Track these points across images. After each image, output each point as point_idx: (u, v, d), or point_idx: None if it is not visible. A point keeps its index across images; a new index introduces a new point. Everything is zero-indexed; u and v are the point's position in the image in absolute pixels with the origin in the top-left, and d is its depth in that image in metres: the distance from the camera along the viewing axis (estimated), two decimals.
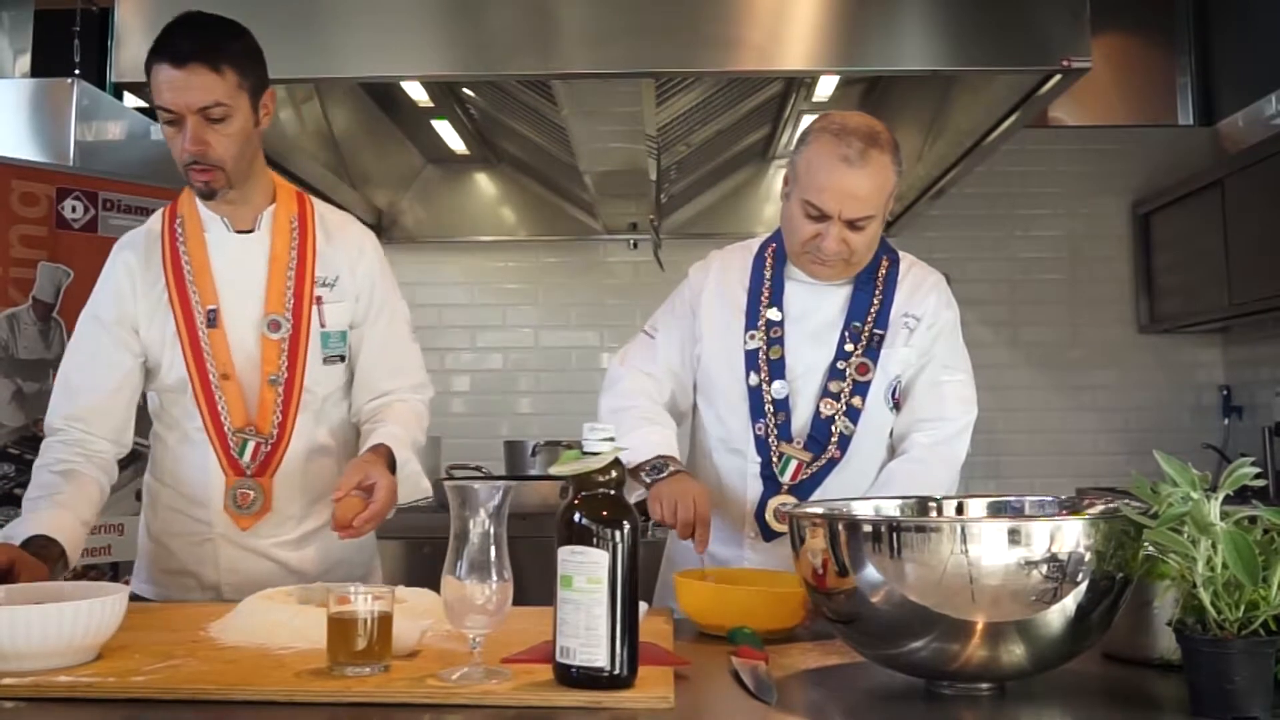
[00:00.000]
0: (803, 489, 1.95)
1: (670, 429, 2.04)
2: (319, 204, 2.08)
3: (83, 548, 1.85)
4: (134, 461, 3.70)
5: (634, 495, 1.98)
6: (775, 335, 1.99)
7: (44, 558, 1.72)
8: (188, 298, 1.94)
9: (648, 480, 1.93)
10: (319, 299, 1.99)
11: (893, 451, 2.03)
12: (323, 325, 1.99)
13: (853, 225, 1.88)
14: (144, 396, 2.06)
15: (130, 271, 1.98)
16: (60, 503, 1.83)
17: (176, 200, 2.03)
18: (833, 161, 1.85)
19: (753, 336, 2.00)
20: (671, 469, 1.92)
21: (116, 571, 3.51)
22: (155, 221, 2.02)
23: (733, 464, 2.02)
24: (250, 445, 1.93)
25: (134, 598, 2.00)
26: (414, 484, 1.96)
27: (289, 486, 1.97)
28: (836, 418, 1.95)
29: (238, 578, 1.95)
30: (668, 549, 2.17)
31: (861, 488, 1.95)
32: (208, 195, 1.91)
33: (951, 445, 2.00)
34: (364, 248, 2.07)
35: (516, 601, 1.32)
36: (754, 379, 1.98)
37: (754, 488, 1.99)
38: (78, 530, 1.83)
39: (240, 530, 1.96)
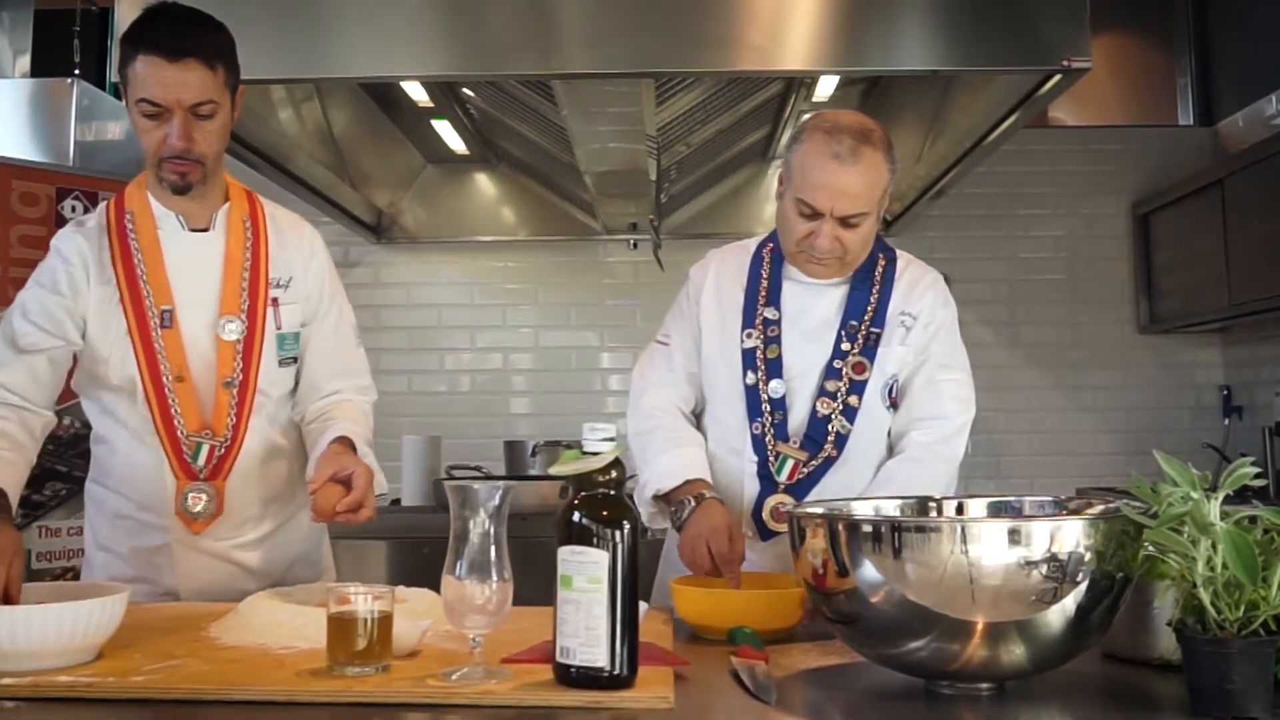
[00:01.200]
0: (799, 488, 1.95)
1: (696, 445, 2.04)
2: (268, 203, 2.05)
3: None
4: None
5: (667, 522, 1.98)
6: (772, 334, 2.00)
7: None
8: (140, 296, 1.88)
9: (675, 524, 1.93)
10: (275, 300, 1.96)
11: (890, 451, 2.03)
12: (279, 327, 1.96)
13: (846, 223, 1.88)
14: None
15: (84, 257, 1.90)
16: (4, 460, 1.77)
17: (122, 194, 1.97)
18: (824, 159, 1.85)
19: (750, 335, 2.01)
20: (691, 506, 1.90)
21: None
22: (100, 216, 1.96)
23: (730, 463, 2.02)
24: (205, 448, 1.89)
25: None
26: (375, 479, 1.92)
27: (244, 488, 1.93)
28: (833, 417, 1.95)
29: (196, 582, 1.92)
30: (665, 550, 2.17)
31: (858, 487, 1.95)
32: (183, 190, 1.87)
33: (950, 444, 2.00)
34: (315, 248, 2.05)
35: (516, 601, 1.32)
36: (751, 378, 1.99)
37: (751, 487, 1.99)
38: (17, 493, 1.76)
39: (193, 535, 1.91)
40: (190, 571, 1.93)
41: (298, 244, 2.03)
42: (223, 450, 1.91)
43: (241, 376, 1.92)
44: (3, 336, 1.91)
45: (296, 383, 2.04)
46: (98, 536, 1.99)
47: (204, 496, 1.89)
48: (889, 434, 2.03)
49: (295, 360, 2.01)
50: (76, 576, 3.40)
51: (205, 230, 1.95)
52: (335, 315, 2.06)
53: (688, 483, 1.95)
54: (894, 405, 2.01)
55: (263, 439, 1.96)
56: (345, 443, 1.88)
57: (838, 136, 1.86)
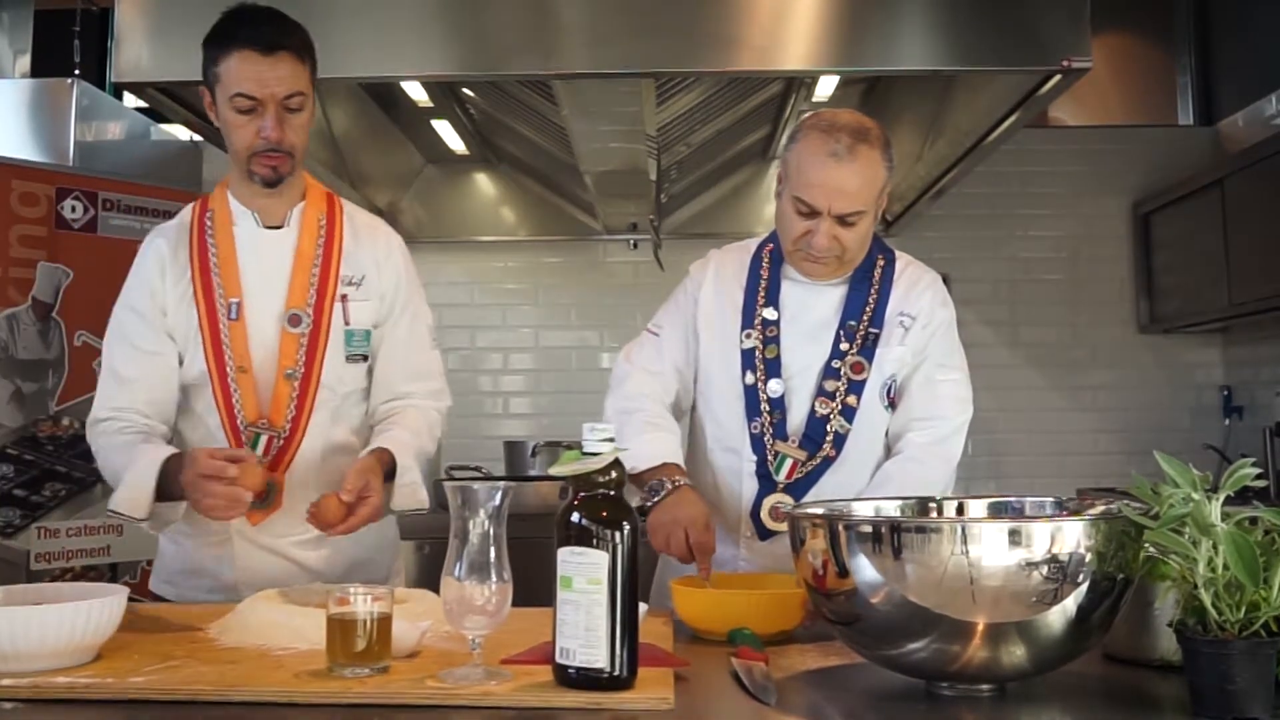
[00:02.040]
0: (798, 488, 1.95)
1: (674, 433, 2.04)
2: (348, 205, 2.08)
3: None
4: None
5: (634, 502, 1.97)
6: (771, 334, 2.00)
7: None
8: (212, 290, 1.94)
9: (647, 504, 1.92)
10: (344, 297, 1.98)
11: (889, 451, 2.03)
12: (347, 323, 1.98)
13: (843, 221, 1.88)
14: None
15: (161, 260, 1.97)
16: (154, 441, 1.88)
17: (208, 195, 2.04)
18: (821, 157, 1.85)
19: (749, 336, 2.00)
20: (669, 488, 1.90)
21: (116, 571, 3.52)
22: (186, 214, 2.03)
23: (728, 462, 2.02)
24: (263, 439, 1.91)
25: (155, 598, 2.00)
26: (410, 494, 1.93)
27: (303, 484, 1.94)
28: (832, 417, 1.95)
29: (255, 577, 1.92)
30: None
31: (857, 487, 1.95)
32: (273, 182, 1.92)
33: (947, 444, 2.00)
34: (391, 249, 2.07)
35: (516, 601, 1.32)
36: (750, 378, 1.98)
37: (749, 486, 1.99)
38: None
39: (250, 526, 1.93)
40: (249, 566, 1.94)
41: (373, 244, 2.05)
42: (281, 442, 1.93)
43: (304, 370, 1.93)
44: (106, 367, 1.99)
45: (370, 382, 2.05)
46: (170, 529, 2.01)
47: (266, 488, 1.87)
48: (887, 434, 2.03)
49: (365, 358, 2.02)
50: (77, 577, 3.40)
51: (279, 227, 1.99)
52: (410, 317, 2.07)
53: (663, 465, 1.94)
54: (892, 405, 2.00)
55: (325, 435, 1.97)
56: (382, 457, 1.88)
57: (835, 135, 1.86)
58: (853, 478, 1.96)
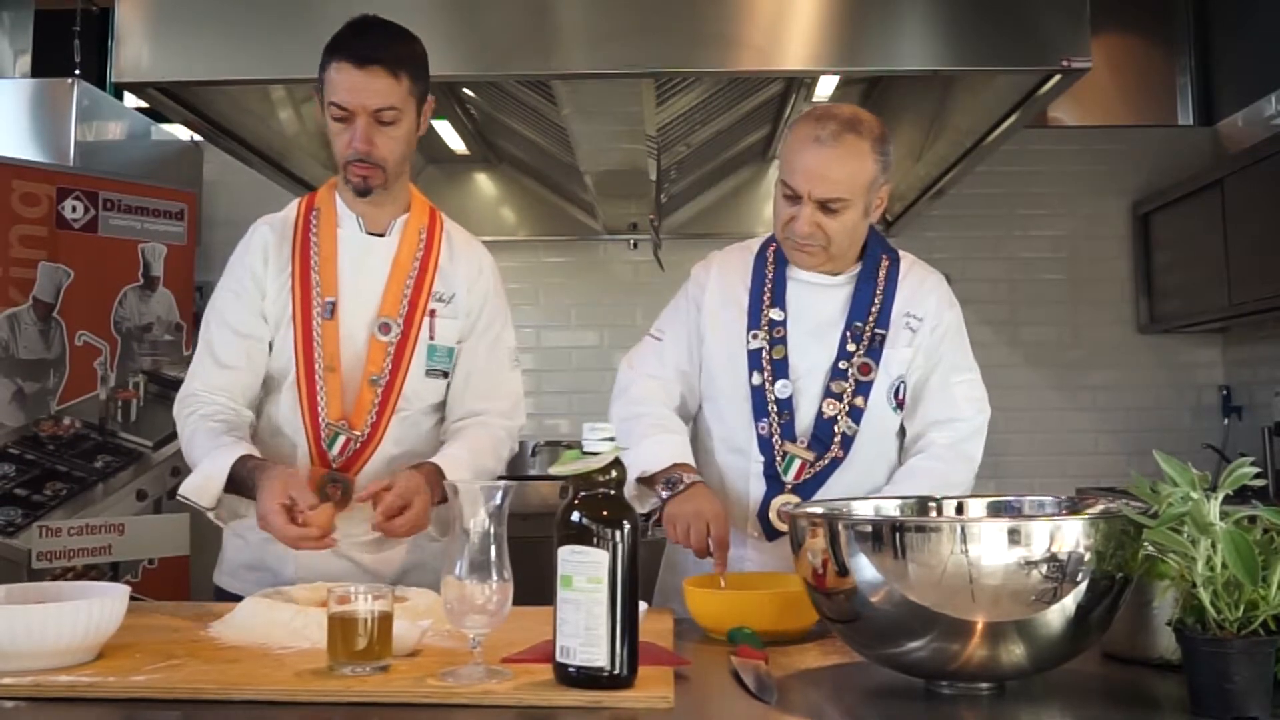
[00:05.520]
0: (806, 488, 1.95)
1: (683, 435, 2.04)
2: (449, 222, 2.11)
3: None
4: (134, 461, 3.73)
5: (647, 505, 1.98)
6: (778, 335, 1.99)
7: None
8: (309, 286, 1.96)
9: (664, 495, 1.92)
10: (433, 312, 2.00)
11: (897, 452, 2.04)
12: (432, 338, 2.00)
13: (825, 208, 1.89)
14: None
15: (265, 248, 2.00)
16: (239, 438, 1.89)
17: (315, 193, 2.07)
18: (806, 142, 1.88)
19: (755, 336, 2.00)
20: (686, 483, 1.91)
21: (117, 571, 3.52)
22: (291, 210, 2.06)
23: (735, 463, 2.02)
24: (340, 439, 1.93)
25: (218, 592, 2.03)
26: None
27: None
28: (839, 418, 1.95)
29: (314, 575, 1.90)
30: (667, 553, 2.17)
31: (865, 487, 1.95)
32: (363, 192, 1.94)
33: (969, 444, 2.01)
34: (483, 268, 2.09)
35: (516, 601, 1.32)
36: (757, 378, 1.98)
37: (756, 487, 1.99)
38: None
39: None
40: (310, 564, 1.93)
41: (468, 262, 2.07)
42: (358, 445, 1.95)
43: (388, 378, 1.96)
44: (204, 346, 2.01)
45: (447, 397, 2.07)
46: (236, 523, 2.03)
47: (340, 487, 1.89)
48: (896, 435, 2.03)
49: (445, 374, 2.04)
50: (78, 577, 3.40)
51: (382, 235, 2.01)
52: (492, 338, 2.09)
53: (675, 465, 1.94)
54: (900, 406, 2.00)
55: (398, 443, 1.98)
56: (426, 471, 1.88)
57: (823, 122, 1.88)
58: (860, 479, 1.96)
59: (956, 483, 1.95)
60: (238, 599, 1.72)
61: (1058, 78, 2.48)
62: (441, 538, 1.98)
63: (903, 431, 2.04)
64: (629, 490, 1.95)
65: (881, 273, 2.02)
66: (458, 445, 1.98)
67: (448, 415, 2.08)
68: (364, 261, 2.00)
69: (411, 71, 1.91)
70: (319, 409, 1.94)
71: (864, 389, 1.96)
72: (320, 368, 1.94)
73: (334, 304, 1.96)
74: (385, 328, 1.97)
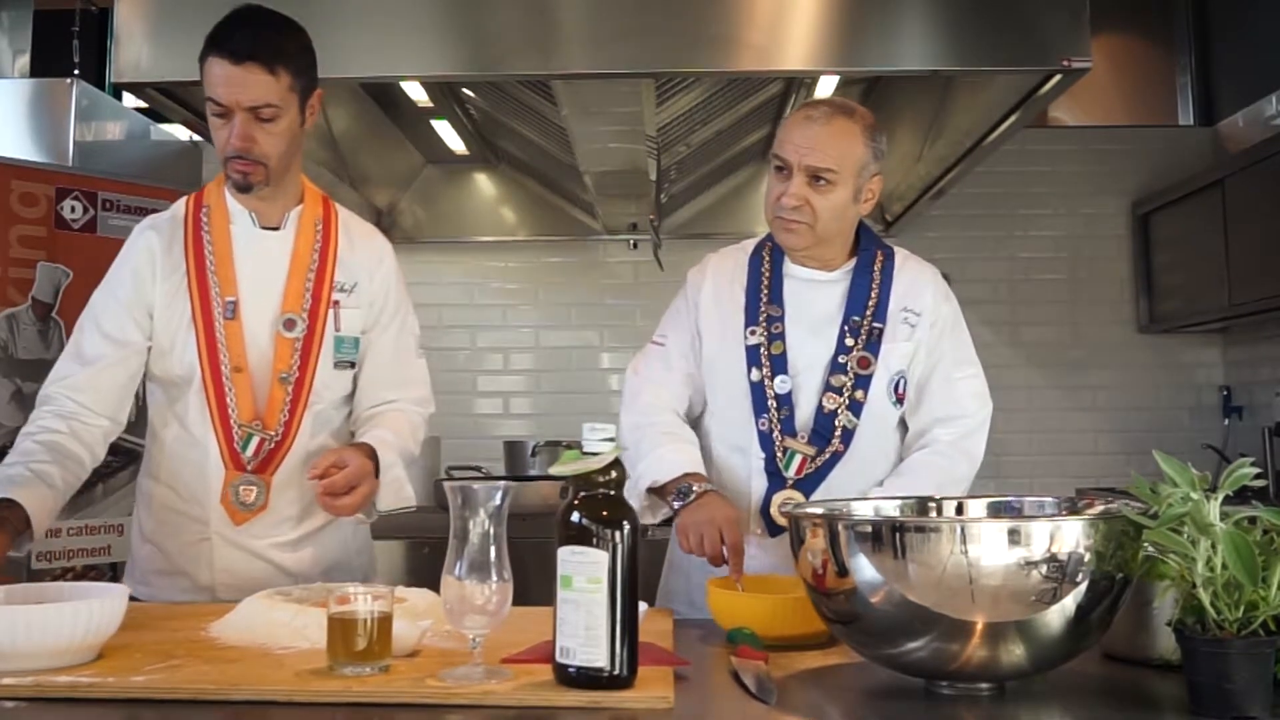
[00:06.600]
0: (807, 483, 1.95)
1: (693, 444, 2.04)
2: (343, 210, 2.09)
3: (48, 523, 1.80)
4: (134, 462, 3.72)
5: (660, 515, 1.98)
6: (776, 331, 2.00)
7: (3, 521, 1.70)
8: (207, 287, 1.93)
9: (675, 505, 1.92)
10: (336, 303, 1.99)
11: (898, 446, 2.04)
12: (337, 329, 1.99)
13: (814, 180, 1.91)
14: (142, 396, 2.05)
15: (151, 254, 1.97)
16: (36, 472, 1.80)
17: (203, 189, 2.04)
18: (798, 120, 1.95)
19: (753, 332, 2.01)
20: (698, 492, 1.91)
21: (116, 571, 3.51)
22: (179, 208, 2.02)
23: (736, 460, 2.02)
24: (255, 440, 1.92)
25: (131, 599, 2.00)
26: (396, 490, 1.94)
27: (288, 486, 1.95)
28: (839, 412, 1.95)
29: (233, 579, 1.93)
30: (669, 554, 2.16)
31: (865, 482, 1.95)
32: (244, 189, 1.92)
33: (972, 440, 2.02)
34: (383, 257, 2.09)
35: (516, 601, 1.32)
36: (756, 374, 1.98)
37: (758, 484, 1.99)
38: (47, 502, 1.79)
39: (235, 527, 1.93)
40: (228, 567, 1.94)
41: (367, 251, 2.06)
42: (273, 445, 1.93)
43: (298, 374, 1.94)
44: (73, 343, 1.97)
45: (355, 389, 2.06)
46: (144, 530, 2.02)
47: (254, 489, 1.91)
48: (896, 429, 2.04)
49: (353, 365, 2.03)
50: (77, 577, 3.40)
51: (276, 229, 1.99)
52: (398, 326, 2.08)
53: (685, 475, 1.94)
54: (899, 401, 2.01)
55: (311, 440, 1.98)
56: (360, 447, 1.90)
57: (817, 105, 1.97)
58: (861, 473, 1.96)
59: (959, 477, 1.96)
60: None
61: (1058, 78, 2.48)
62: (369, 520, 1.99)
63: (903, 425, 2.05)
64: (640, 502, 1.96)
65: (876, 267, 2.04)
66: (381, 429, 1.97)
67: (357, 405, 2.06)
68: (262, 257, 1.97)
69: (292, 66, 1.86)
70: (229, 411, 1.91)
71: (863, 382, 1.96)
72: (227, 369, 1.91)
73: (235, 303, 1.93)
74: (290, 324, 1.94)
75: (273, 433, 1.93)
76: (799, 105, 1.99)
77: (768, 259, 2.06)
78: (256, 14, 1.89)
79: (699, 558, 1.85)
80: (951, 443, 2.00)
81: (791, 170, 1.92)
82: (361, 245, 2.06)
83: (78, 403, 1.92)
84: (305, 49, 1.92)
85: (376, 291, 2.05)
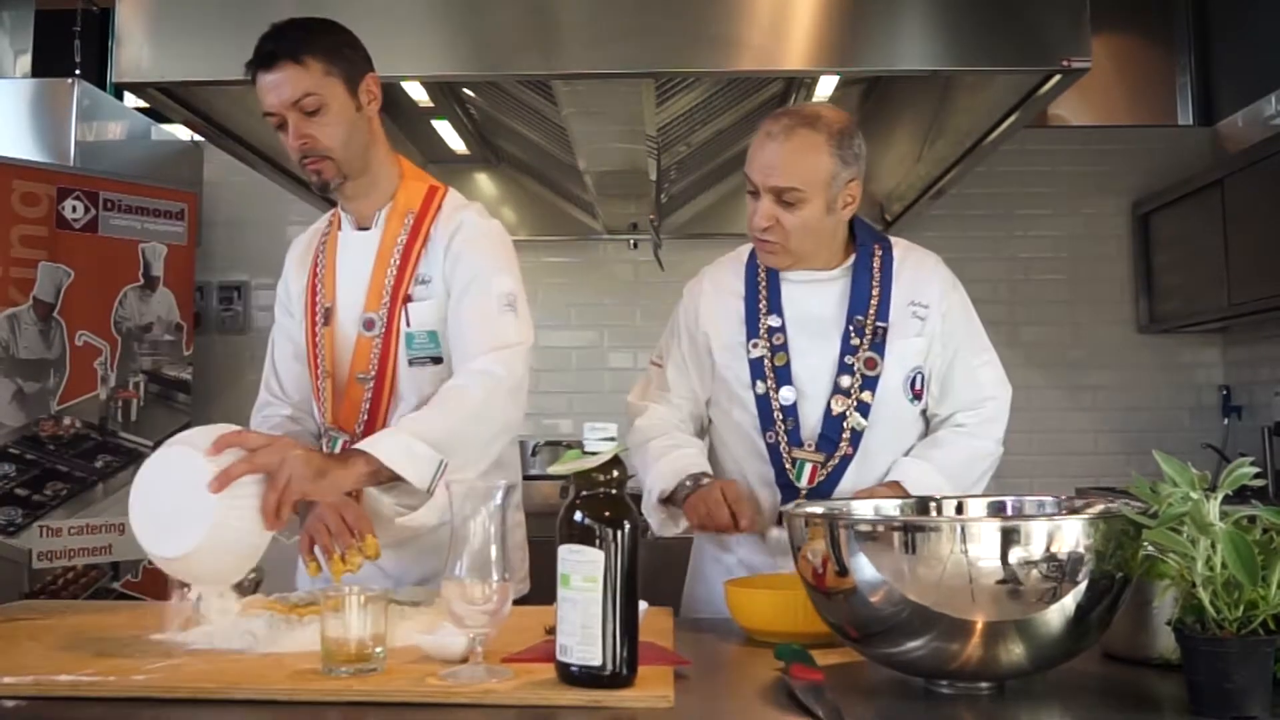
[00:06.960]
0: (820, 491, 1.93)
1: (694, 446, 2.05)
2: (452, 195, 2.00)
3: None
4: (134, 461, 3.73)
5: (680, 525, 1.99)
6: (778, 342, 1.98)
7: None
8: (315, 295, 1.97)
9: (682, 499, 1.94)
10: (409, 298, 1.90)
11: (914, 442, 2.02)
12: (407, 325, 1.90)
13: (781, 200, 1.89)
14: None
15: (290, 266, 2.06)
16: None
17: None
18: (761, 138, 1.91)
19: (756, 345, 1.99)
20: (704, 482, 1.94)
21: (118, 570, 3.52)
22: (323, 220, 2.08)
23: (748, 475, 2.01)
24: (339, 443, 1.88)
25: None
26: (418, 467, 1.69)
27: (378, 488, 1.82)
28: (848, 414, 1.94)
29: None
30: (692, 562, 2.16)
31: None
32: (322, 188, 1.90)
33: (997, 422, 2.05)
34: (460, 227, 1.92)
35: (518, 601, 1.32)
36: (760, 387, 1.97)
37: (772, 497, 1.97)
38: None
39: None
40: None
41: (445, 232, 1.93)
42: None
43: (376, 374, 1.90)
44: (269, 353, 2.10)
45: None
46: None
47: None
48: (912, 426, 2.02)
49: (436, 361, 1.91)
50: (78, 576, 3.41)
51: (368, 229, 1.97)
52: (478, 289, 1.89)
53: (690, 475, 1.96)
54: (917, 398, 1.99)
55: None
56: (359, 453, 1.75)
57: (779, 119, 1.91)
58: (874, 474, 1.95)
59: (982, 455, 2.00)
60: None
61: (1058, 78, 2.48)
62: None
63: (921, 419, 2.04)
64: (655, 518, 1.97)
65: (875, 262, 2.01)
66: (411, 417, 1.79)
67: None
68: (352, 260, 1.96)
69: (320, 53, 1.83)
70: (323, 416, 1.94)
71: (870, 384, 1.94)
72: (322, 375, 1.93)
73: (330, 309, 1.94)
74: (370, 324, 1.91)
75: (353, 435, 1.87)
76: (765, 118, 1.96)
77: (763, 267, 2.04)
78: (284, 24, 1.87)
79: (720, 561, 1.86)
80: (977, 424, 2.02)
81: (759, 191, 1.90)
82: (443, 231, 1.93)
83: (285, 411, 2.03)
84: (338, 38, 1.88)
85: (449, 267, 1.91)
